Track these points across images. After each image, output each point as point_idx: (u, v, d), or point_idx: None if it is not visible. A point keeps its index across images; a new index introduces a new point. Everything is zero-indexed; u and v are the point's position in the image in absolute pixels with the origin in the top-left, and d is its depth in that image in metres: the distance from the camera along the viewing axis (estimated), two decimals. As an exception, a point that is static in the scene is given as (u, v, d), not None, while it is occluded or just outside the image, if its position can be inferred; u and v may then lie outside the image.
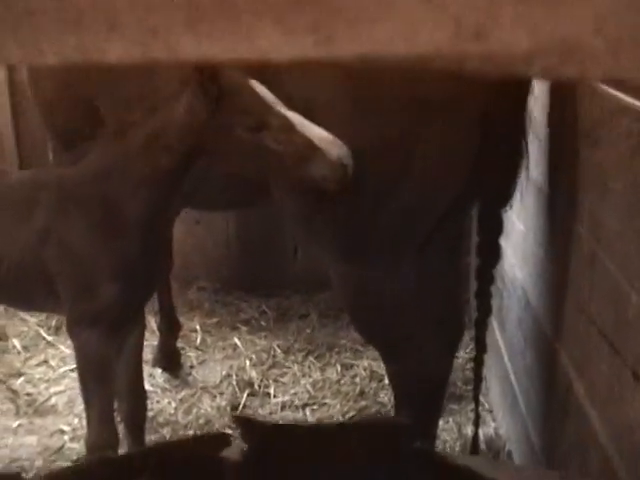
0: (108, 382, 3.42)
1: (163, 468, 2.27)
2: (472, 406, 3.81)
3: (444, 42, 0.71)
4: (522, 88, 2.92)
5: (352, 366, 5.02)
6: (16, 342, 5.40)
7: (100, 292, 3.24)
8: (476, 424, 3.58)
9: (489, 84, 2.77)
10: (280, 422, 4.38)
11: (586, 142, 2.65)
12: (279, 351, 5.24)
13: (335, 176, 2.85)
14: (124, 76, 3.62)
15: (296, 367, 5.03)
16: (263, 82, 2.93)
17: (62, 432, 4.41)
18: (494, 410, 4.48)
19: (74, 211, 3.27)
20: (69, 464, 4.02)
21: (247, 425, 2.39)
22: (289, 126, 2.89)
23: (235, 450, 2.33)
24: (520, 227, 3.74)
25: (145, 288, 3.44)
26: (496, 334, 4.40)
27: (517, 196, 3.24)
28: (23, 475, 2.50)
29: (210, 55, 0.76)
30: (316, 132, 2.86)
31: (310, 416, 4.55)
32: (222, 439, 2.39)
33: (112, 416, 3.46)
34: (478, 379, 3.52)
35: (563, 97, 2.95)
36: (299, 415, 4.57)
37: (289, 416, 4.54)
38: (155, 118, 3.11)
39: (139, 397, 3.75)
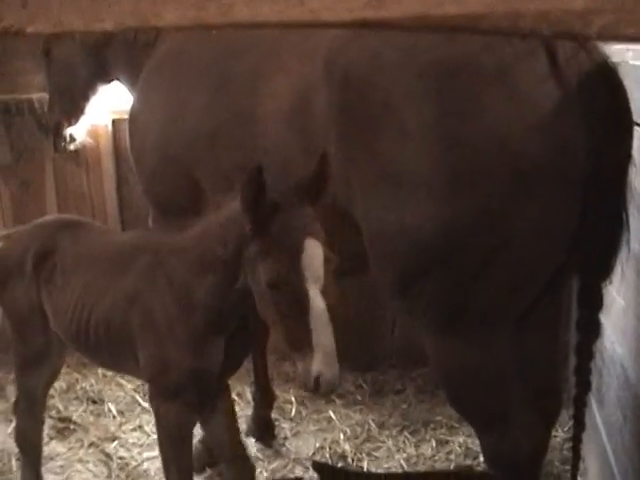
0: (187, 452, 3.60)
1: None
2: (570, 486, 3.73)
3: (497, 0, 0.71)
4: (623, 157, 2.91)
5: (447, 442, 4.97)
6: (112, 406, 5.53)
7: (173, 366, 3.37)
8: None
9: (590, 154, 2.79)
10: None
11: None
12: (374, 425, 5.23)
13: (306, 387, 2.93)
14: (224, 147, 3.73)
15: (390, 442, 5.01)
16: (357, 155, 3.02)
17: (154, 496, 4.46)
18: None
19: (161, 280, 3.41)
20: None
21: (326, 470, 2.59)
22: (302, 307, 2.87)
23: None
24: (620, 302, 3.69)
25: (223, 365, 3.46)
26: (594, 412, 4.31)
27: (617, 270, 3.21)
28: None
29: (262, 18, 0.79)
30: (323, 337, 2.87)
31: (404, 492, 4.50)
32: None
33: None
34: (576, 458, 3.43)
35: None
36: (393, 492, 4.52)
37: (384, 492, 4.51)
38: (218, 212, 3.24)
39: (245, 464, 3.87)
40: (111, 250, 3.77)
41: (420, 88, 2.89)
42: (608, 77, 2.86)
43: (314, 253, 2.91)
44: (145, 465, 4.83)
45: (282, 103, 3.44)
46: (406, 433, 5.12)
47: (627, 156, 2.92)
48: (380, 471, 4.64)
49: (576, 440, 3.42)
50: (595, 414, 4.30)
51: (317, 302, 2.88)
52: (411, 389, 5.69)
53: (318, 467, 4.32)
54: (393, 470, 4.68)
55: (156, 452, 4.84)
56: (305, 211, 3.00)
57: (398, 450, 4.92)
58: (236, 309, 3.33)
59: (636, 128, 3.09)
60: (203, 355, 3.37)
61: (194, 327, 3.33)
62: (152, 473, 4.74)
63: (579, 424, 3.37)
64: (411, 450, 4.91)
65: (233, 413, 3.85)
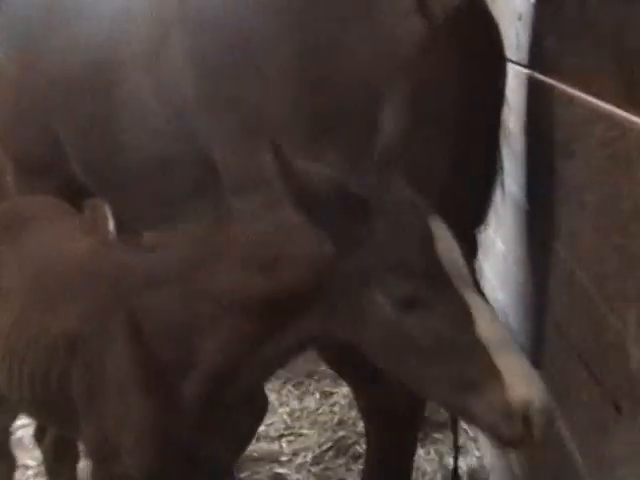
0: None
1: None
2: (456, 435, 3.61)
3: None
4: (496, 95, 2.73)
5: (331, 394, 4.84)
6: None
7: (128, 451, 2.35)
8: (455, 455, 3.39)
9: (460, 91, 2.60)
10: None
11: (562, 153, 2.46)
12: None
13: (508, 431, 1.89)
14: (80, 96, 3.42)
15: (273, 396, 4.82)
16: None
17: None
18: (479, 439, 4.28)
19: (119, 325, 2.34)
20: None
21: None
22: (463, 321, 1.93)
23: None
24: (500, 246, 3.55)
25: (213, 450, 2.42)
26: (479, 359, 4.20)
27: (494, 214, 3.06)
28: None
29: None
30: (511, 359, 1.92)
31: (286, 447, 4.35)
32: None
33: None
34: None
35: (539, 107, 2.77)
36: (275, 447, 4.36)
37: (264, 448, 4.34)
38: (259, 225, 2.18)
39: None
40: (55, 269, 2.68)
41: (277, 27, 2.63)
42: (477, 10, 2.67)
43: (447, 239, 2.05)
44: None
45: (137, 49, 3.16)
46: (289, 386, 4.97)
47: (500, 94, 2.75)
48: (261, 428, 4.46)
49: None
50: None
51: (481, 308, 1.97)
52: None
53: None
54: (275, 425, 4.52)
55: None
56: (412, 193, 2.15)
57: (281, 404, 4.77)
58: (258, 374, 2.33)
59: (511, 66, 2.93)
60: (177, 436, 2.30)
61: (169, 396, 2.27)
62: None
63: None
64: (295, 404, 4.75)
65: None
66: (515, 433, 1.88)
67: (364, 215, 1.99)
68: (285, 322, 2.11)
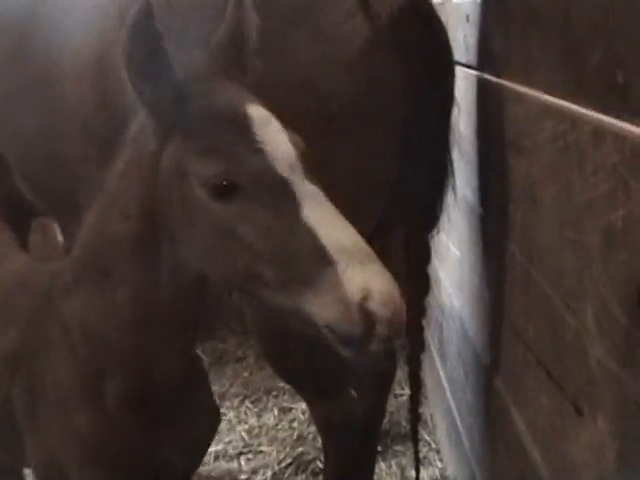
0: None
1: None
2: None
3: None
4: (444, 97, 2.67)
5: (290, 410, 4.74)
6: None
7: (73, 466, 2.19)
8: (417, 467, 3.31)
9: (406, 94, 2.54)
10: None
11: (512, 151, 2.41)
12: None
13: (348, 328, 1.68)
14: (24, 112, 3.32)
15: (232, 413, 4.74)
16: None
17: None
18: (441, 449, 4.21)
19: (55, 335, 2.22)
20: None
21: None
22: (289, 209, 1.76)
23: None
24: (454, 252, 3.50)
25: (165, 464, 2.25)
26: (438, 368, 4.15)
27: (448, 219, 3.00)
28: None
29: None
30: (346, 245, 1.72)
31: (245, 465, 4.24)
32: None
33: None
34: (415, 420, 3.24)
35: (489, 107, 2.72)
36: (234, 465, 4.26)
37: (222, 466, 4.23)
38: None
39: None
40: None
41: (215, 28, 2.55)
42: (422, 11, 2.62)
43: (271, 125, 1.87)
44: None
45: (78, 61, 3.06)
46: (247, 403, 4.88)
47: (449, 96, 2.69)
48: (219, 447, 4.35)
49: (413, 402, 3.23)
50: (439, 370, 4.13)
51: (309, 191, 1.78)
52: (252, 356, 5.42)
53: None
54: (234, 443, 4.41)
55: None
56: (233, 85, 1.99)
57: (239, 422, 4.67)
58: (175, 355, 2.15)
59: (460, 69, 2.89)
60: (123, 448, 2.15)
61: (106, 401, 2.14)
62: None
63: (415, 384, 3.17)
64: (253, 420, 4.65)
65: None
66: (354, 330, 1.66)
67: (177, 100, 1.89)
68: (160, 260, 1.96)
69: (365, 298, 1.62)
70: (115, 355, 2.11)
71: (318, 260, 1.67)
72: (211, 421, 2.47)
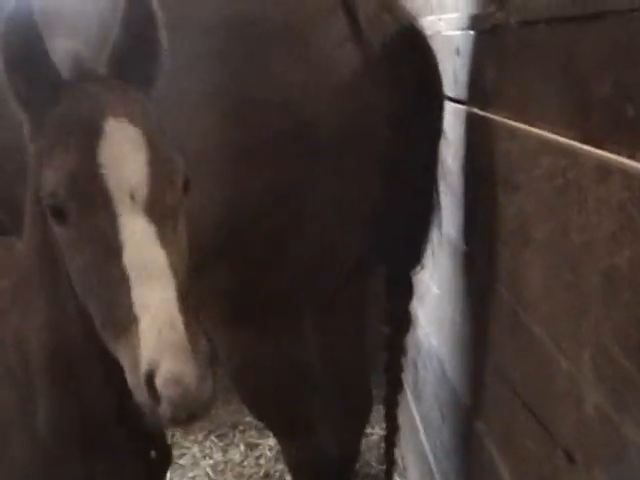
0: None
1: None
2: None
3: None
4: (431, 129, 2.61)
5: (257, 446, 4.63)
6: None
7: None
8: (389, 511, 3.21)
9: (393, 124, 2.48)
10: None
11: (505, 188, 2.34)
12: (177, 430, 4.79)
13: (139, 399, 1.55)
14: None
15: (196, 448, 4.62)
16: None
17: None
18: (413, 489, 4.11)
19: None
20: None
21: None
22: (110, 245, 1.59)
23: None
24: (435, 290, 3.42)
25: None
26: (412, 409, 4.05)
27: (431, 256, 2.93)
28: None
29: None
30: (152, 299, 1.54)
31: (209, 503, 4.13)
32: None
33: None
34: (390, 462, 3.15)
35: (479, 142, 2.66)
36: (198, 502, 4.14)
37: (186, 503, 4.11)
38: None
39: None
40: None
41: (204, 49, 2.46)
42: (414, 41, 2.57)
43: (123, 140, 1.64)
44: None
45: None
46: (213, 437, 4.76)
47: (436, 129, 2.63)
48: (184, 482, 4.24)
49: (388, 442, 3.14)
50: (413, 411, 4.04)
51: (136, 232, 1.59)
52: (219, 389, 5.28)
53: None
54: (198, 479, 4.29)
55: None
56: (113, 84, 1.79)
57: (204, 457, 4.54)
58: (103, 385, 1.92)
59: (449, 103, 2.83)
60: None
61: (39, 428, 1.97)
62: None
63: (391, 425, 3.08)
64: (218, 456, 4.53)
65: None
66: (141, 399, 1.52)
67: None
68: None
69: (153, 372, 1.49)
70: (41, 379, 1.96)
71: (127, 313, 1.54)
72: (161, 458, 2.24)
